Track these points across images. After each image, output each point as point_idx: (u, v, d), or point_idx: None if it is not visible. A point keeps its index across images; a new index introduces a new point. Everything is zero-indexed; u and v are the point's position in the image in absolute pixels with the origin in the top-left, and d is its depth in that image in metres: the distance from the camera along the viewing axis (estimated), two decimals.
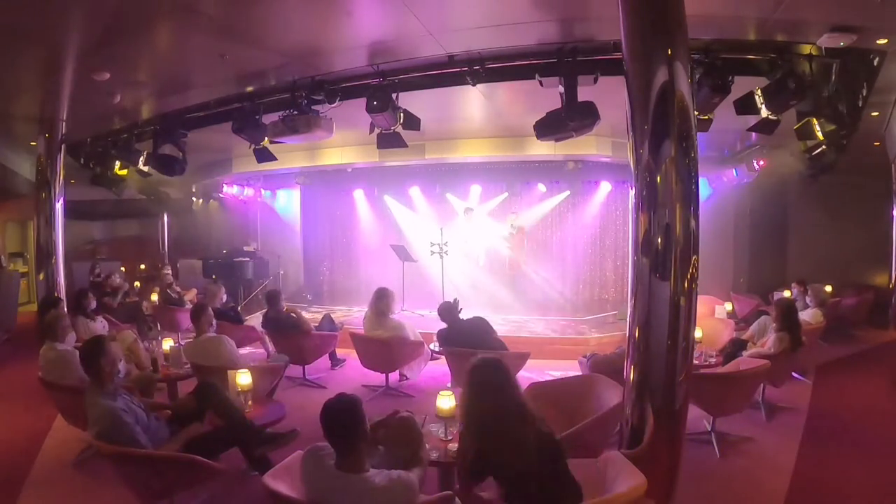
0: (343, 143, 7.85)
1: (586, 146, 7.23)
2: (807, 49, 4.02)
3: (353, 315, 8.20)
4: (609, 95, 3.70)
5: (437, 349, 5.18)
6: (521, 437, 2.08)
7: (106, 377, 2.93)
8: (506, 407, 2.14)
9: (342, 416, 2.13)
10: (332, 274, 11.02)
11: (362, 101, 4.66)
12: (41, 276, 6.56)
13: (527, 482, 2.06)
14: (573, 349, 6.29)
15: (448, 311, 5.07)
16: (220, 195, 10.37)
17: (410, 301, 8.59)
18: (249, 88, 5.20)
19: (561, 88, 4.23)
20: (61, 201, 6.60)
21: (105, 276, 8.35)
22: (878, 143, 6.94)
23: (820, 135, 4.66)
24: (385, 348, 5.30)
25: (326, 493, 2.11)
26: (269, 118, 5.24)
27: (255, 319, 7.30)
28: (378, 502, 2.06)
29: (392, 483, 2.09)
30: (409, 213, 10.33)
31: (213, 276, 9.27)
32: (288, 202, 11.14)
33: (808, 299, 6.12)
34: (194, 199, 11.20)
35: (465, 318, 5.10)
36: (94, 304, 5.76)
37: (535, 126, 4.63)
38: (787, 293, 6.72)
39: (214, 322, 4.56)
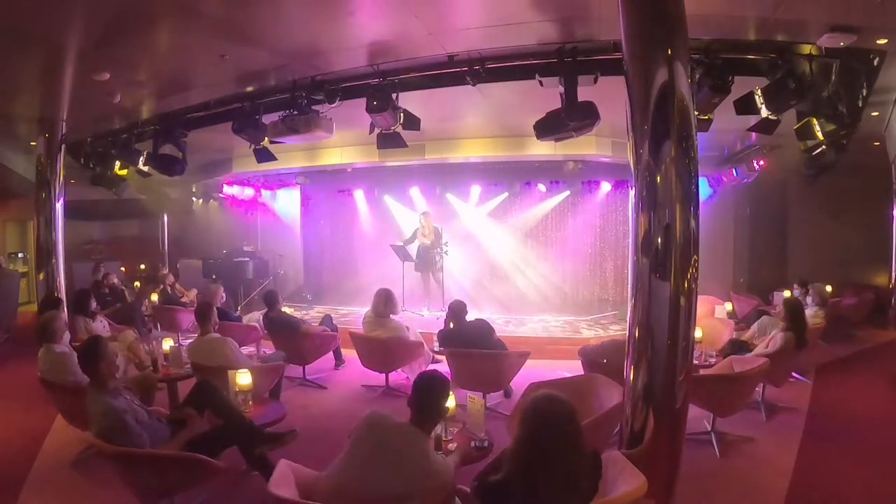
0: (343, 143, 7.84)
1: (586, 146, 7.22)
2: (807, 49, 4.02)
3: (354, 315, 8.19)
4: (609, 95, 3.69)
5: (437, 349, 5.17)
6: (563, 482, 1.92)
7: (105, 377, 2.93)
8: (562, 449, 1.93)
9: (435, 386, 2.44)
10: (332, 274, 11.01)
11: (362, 101, 4.65)
12: (41, 276, 6.56)
13: None
14: (573, 349, 6.26)
15: (457, 311, 5.08)
16: (220, 195, 10.35)
17: (410, 301, 8.59)
18: (249, 88, 5.20)
19: (561, 88, 4.22)
20: (61, 201, 6.60)
21: (104, 276, 8.34)
22: (878, 143, 6.94)
23: (820, 135, 4.65)
24: (384, 348, 5.30)
25: (389, 446, 2.25)
26: (269, 118, 5.23)
27: (254, 319, 7.29)
28: (432, 468, 2.26)
29: (444, 461, 2.38)
30: (409, 212, 10.32)
31: (214, 276, 9.26)
32: (288, 202, 11.13)
33: (808, 299, 6.12)
34: (194, 199, 11.18)
35: (469, 321, 5.10)
36: (94, 304, 5.75)
37: (535, 126, 4.63)
38: (787, 293, 6.72)
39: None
